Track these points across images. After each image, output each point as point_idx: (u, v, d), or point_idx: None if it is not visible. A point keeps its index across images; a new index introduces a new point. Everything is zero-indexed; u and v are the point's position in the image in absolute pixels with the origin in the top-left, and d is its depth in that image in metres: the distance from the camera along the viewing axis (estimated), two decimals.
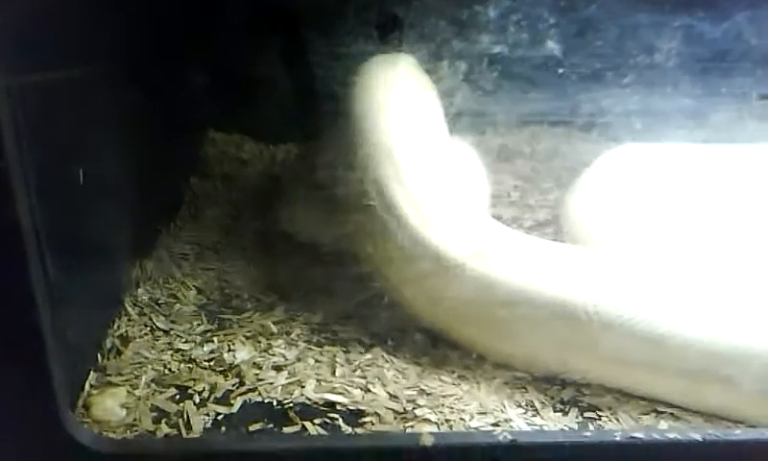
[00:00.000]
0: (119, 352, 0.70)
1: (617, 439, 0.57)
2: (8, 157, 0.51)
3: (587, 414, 0.63)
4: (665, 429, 0.59)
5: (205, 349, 0.71)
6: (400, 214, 0.69)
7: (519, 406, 0.64)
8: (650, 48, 0.97)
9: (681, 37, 0.97)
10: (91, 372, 0.67)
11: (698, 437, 0.56)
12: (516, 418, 0.63)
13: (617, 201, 0.84)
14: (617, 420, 0.62)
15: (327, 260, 0.80)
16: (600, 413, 0.63)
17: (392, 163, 0.72)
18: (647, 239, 0.78)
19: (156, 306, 0.77)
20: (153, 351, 0.71)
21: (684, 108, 0.95)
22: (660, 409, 0.63)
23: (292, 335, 0.72)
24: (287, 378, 0.67)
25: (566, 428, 0.61)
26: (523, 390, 0.66)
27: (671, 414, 0.63)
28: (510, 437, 0.58)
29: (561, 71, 0.98)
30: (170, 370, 0.68)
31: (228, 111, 1.11)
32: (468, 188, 0.83)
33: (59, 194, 0.63)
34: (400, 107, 0.78)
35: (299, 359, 0.69)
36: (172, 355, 0.70)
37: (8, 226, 0.52)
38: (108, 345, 0.71)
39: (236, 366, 0.68)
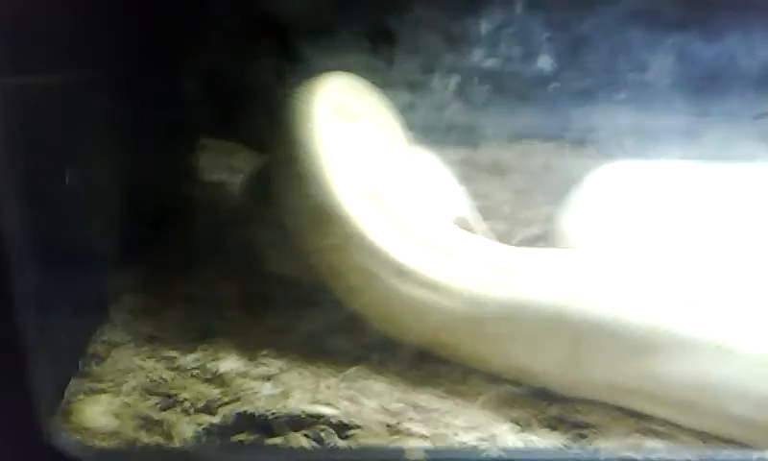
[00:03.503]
0: (103, 359, 0.70)
1: (606, 458, 0.57)
2: None
3: (575, 431, 0.63)
4: (657, 450, 0.59)
5: (192, 357, 0.70)
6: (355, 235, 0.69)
7: (508, 422, 0.63)
8: (643, 66, 0.98)
9: (674, 56, 0.98)
10: (74, 378, 0.67)
11: (691, 457, 0.56)
12: (504, 433, 0.62)
13: (608, 217, 0.84)
14: (605, 438, 0.62)
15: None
16: (588, 430, 0.63)
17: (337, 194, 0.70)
18: (638, 255, 0.78)
19: (143, 313, 0.76)
20: (138, 359, 0.70)
21: (675, 126, 0.95)
22: (651, 427, 0.63)
23: (279, 345, 0.72)
24: (274, 389, 0.66)
25: (554, 445, 0.61)
26: (512, 405, 0.65)
27: (662, 432, 0.62)
28: (496, 454, 0.57)
29: (553, 87, 0.99)
30: (155, 378, 0.67)
31: (221, 119, 1.11)
32: (432, 197, 0.83)
33: (44, 198, 0.63)
34: (331, 134, 0.76)
35: (286, 369, 0.68)
36: (157, 363, 0.69)
37: None
38: (92, 351, 0.70)
39: (223, 375, 0.67)
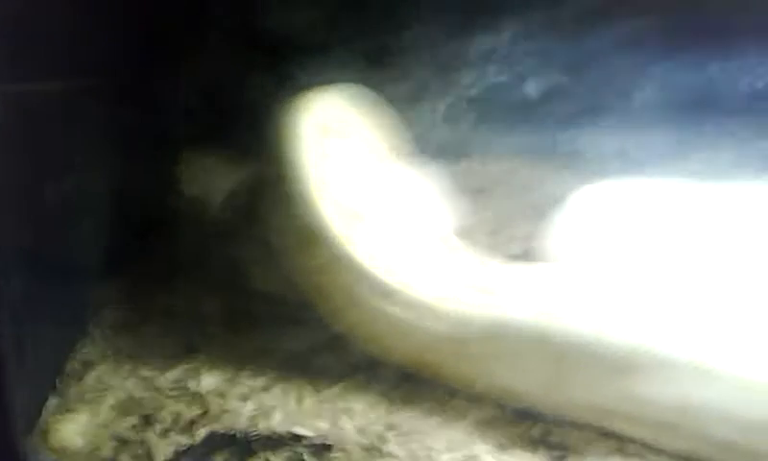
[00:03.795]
0: (81, 377, 0.69)
1: None
2: None
3: (555, 453, 0.63)
4: None
5: (171, 375, 0.69)
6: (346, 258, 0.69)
7: (489, 443, 0.63)
8: (628, 91, 0.99)
9: (658, 82, 0.99)
10: (51, 397, 0.66)
11: None
12: (485, 454, 0.62)
13: (592, 236, 0.84)
14: (584, 459, 0.62)
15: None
16: (568, 452, 0.63)
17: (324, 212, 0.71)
18: (620, 274, 0.78)
19: (122, 330, 0.76)
20: (116, 377, 0.69)
21: (660, 149, 0.96)
22: (632, 449, 0.62)
23: (262, 363, 0.71)
24: (254, 408, 0.65)
25: None
26: (495, 426, 0.65)
27: (643, 454, 0.62)
28: None
29: (545, 110, 1.00)
30: (134, 396, 0.67)
31: (208, 132, 1.10)
32: (419, 215, 0.83)
33: (23, 210, 0.62)
34: (319, 152, 0.76)
35: (265, 389, 0.68)
36: (136, 381, 0.69)
37: None
38: (70, 368, 0.69)
39: (202, 394, 0.67)
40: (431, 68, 1.04)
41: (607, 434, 0.64)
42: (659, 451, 0.62)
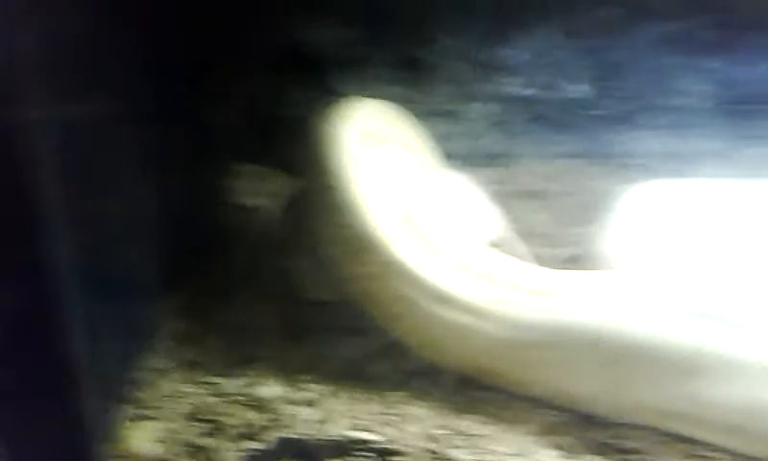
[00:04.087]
0: (148, 386, 0.70)
1: None
2: (35, 193, 0.51)
3: (621, 456, 0.62)
4: None
5: (234, 383, 0.70)
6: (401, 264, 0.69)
7: (553, 448, 0.63)
8: (677, 90, 0.98)
9: (708, 80, 0.98)
10: (122, 407, 0.67)
11: None
12: (549, 460, 0.62)
13: (645, 236, 0.83)
14: None
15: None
16: (637, 456, 0.62)
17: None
18: (678, 275, 0.77)
19: (185, 341, 0.77)
20: (182, 385, 0.70)
21: (710, 148, 0.95)
22: (701, 453, 0.62)
23: (320, 371, 0.72)
24: (315, 414, 0.66)
25: None
26: (557, 431, 0.65)
27: (712, 458, 0.62)
28: None
29: (591, 113, 0.99)
30: (199, 403, 0.68)
31: (255, 145, 1.12)
32: (468, 220, 0.83)
33: (90, 228, 0.64)
34: (362, 159, 0.76)
35: (331, 394, 0.69)
36: (201, 389, 0.70)
37: (38, 261, 0.52)
38: (138, 378, 0.71)
39: (265, 400, 0.68)
40: (471, 75, 1.04)
41: (675, 438, 0.63)
42: (731, 454, 0.61)
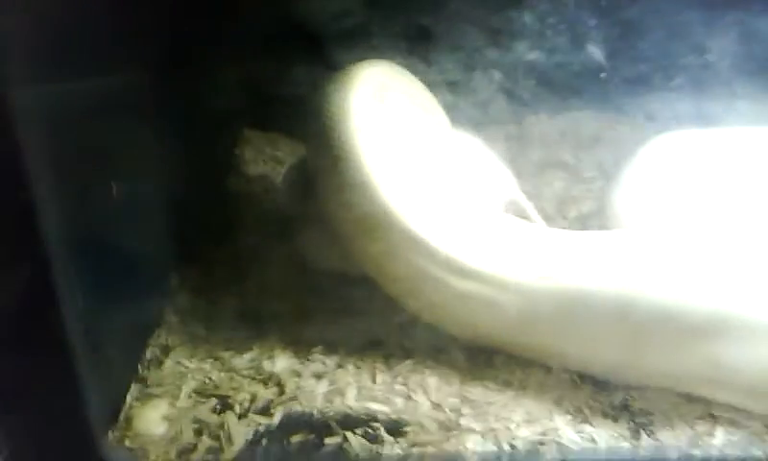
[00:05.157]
0: (160, 363, 0.70)
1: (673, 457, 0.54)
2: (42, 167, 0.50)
3: (638, 420, 0.61)
4: (725, 444, 0.56)
5: (245, 357, 0.70)
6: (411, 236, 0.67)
7: (567, 413, 0.62)
8: (702, 47, 0.93)
9: (733, 35, 0.93)
10: (133, 384, 0.67)
11: (761, 455, 0.53)
12: (564, 426, 0.61)
13: (663, 191, 0.80)
14: (671, 424, 0.60)
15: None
16: (651, 418, 0.61)
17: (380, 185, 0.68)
18: (697, 235, 0.74)
19: (195, 314, 0.77)
20: (193, 361, 0.70)
21: (736, 106, 0.91)
22: (718, 413, 0.60)
23: (331, 342, 0.71)
24: (327, 387, 0.66)
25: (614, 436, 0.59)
26: (572, 398, 0.63)
27: (729, 419, 0.60)
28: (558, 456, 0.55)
29: (607, 74, 0.96)
30: (210, 380, 0.68)
31: (263, 112, 1.10)
32: (481, 183, 0.80)
33: (96, 204, 0.63)
34: (371, 125, 0.72)
35: (339, 366, 0.68)
36: (212, 365, 0.69)
37: (42, 237, 0.52)
38: (151, 355, 0.71)
39: (276, 374, 0.67)
40: (481, 40, 1.00)
41: (691, 399, 0.62)
42: (748, 415, 0.60)
